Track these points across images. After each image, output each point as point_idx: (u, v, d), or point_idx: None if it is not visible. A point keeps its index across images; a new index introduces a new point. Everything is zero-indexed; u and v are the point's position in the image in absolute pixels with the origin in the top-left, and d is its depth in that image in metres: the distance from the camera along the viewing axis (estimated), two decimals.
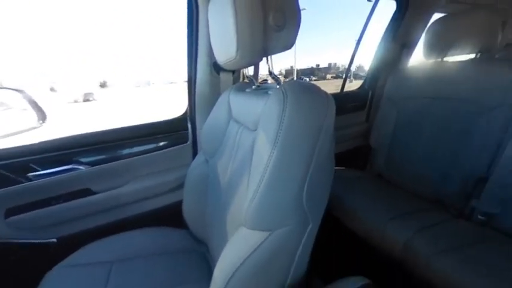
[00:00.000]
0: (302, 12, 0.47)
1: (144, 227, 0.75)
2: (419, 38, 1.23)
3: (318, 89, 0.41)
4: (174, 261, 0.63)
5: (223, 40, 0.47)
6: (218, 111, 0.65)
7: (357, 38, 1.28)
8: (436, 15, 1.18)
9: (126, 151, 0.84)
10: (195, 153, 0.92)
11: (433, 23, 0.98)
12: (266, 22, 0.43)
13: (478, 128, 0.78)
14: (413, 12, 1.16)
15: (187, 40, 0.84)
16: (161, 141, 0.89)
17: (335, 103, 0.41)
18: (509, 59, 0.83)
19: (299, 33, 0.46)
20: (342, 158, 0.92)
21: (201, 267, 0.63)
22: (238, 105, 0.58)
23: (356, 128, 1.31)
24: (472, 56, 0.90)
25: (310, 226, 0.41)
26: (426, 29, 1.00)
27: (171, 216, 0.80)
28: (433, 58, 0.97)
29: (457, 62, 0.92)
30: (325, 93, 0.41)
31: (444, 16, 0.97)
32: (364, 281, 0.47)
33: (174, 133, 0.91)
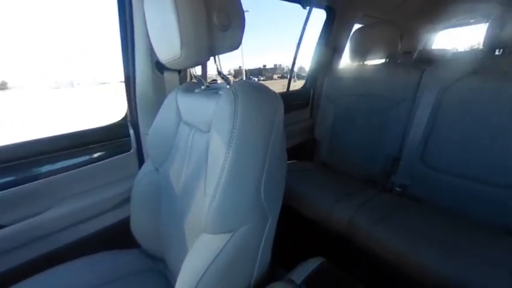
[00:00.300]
0: (246, 14, 0.48)
1: (85, 256, 0.63)
2: (346, 44, 1.45)
3: (266, 88, 0.43)
4: (126, 287, 0.55)
5: (165, 38, 0.44)
6: (166, 114, 0.61)
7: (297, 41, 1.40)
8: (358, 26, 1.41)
9: (46, 168, 0.68)
10: (141, 161, 0.83)
11: (354, 32, 1.17)
12: (210, 21, 0.42)
13: (390, 118, 1.00)
14: (339, 22, 1.35)
15: (121, 36, 0.75)
16: (96, 152, 0.76)
17: (282, 101, 0.43)
18: (407, 64, 1.08)
19: (245, 34, 0.48)
20: (291, 152, 1.00)
21: (160, 285, 0.57)
22: (188, 106, 0.56)
23: (302, 124, 1.44)
24: (383, 60, 1.12)
25: (269, 221, 0.43)
26: (350, 36, 1.19)
27: (117, 237, 0.70)
28: (356, 61, 1.16)
29: (373, 65, 1.14)
30: (274, 92, 0.43)
31: (362, 27, 1.17)
32: (320, 260, 0.53)
33: (112, 141, 0.79)
